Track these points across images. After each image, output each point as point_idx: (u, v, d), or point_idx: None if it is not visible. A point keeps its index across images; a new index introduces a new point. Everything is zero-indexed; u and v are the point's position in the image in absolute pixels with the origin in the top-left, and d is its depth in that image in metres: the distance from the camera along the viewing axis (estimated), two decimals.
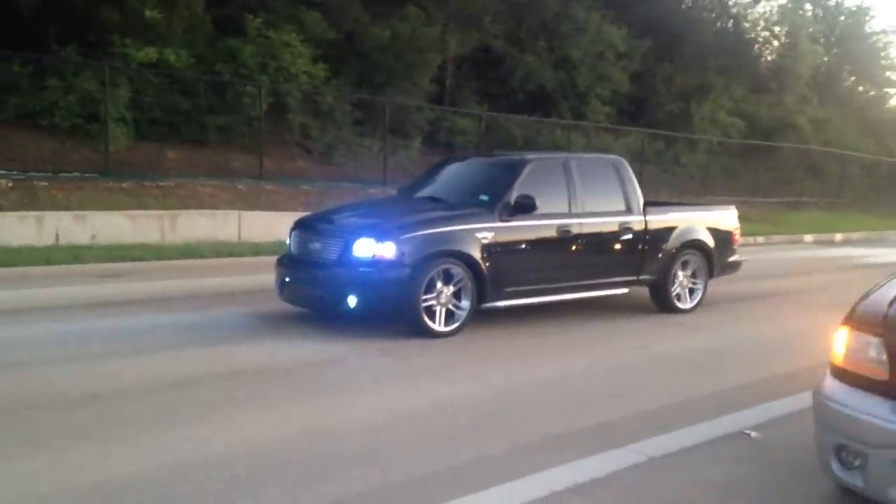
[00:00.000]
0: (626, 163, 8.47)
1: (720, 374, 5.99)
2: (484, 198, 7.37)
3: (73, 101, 14.02)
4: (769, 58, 35.46)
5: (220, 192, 14.43)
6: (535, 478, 3.72)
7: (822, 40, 39.74)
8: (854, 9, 43.20)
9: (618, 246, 8.02)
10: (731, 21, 32.59)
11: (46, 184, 12.54)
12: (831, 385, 3.36)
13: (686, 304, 8.59)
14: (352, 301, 6.58)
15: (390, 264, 6.58)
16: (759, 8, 36.42)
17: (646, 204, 8.31)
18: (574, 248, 7.63)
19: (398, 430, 4.41)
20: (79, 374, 5.38)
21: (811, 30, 37.52)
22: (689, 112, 27.25)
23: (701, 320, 8.23)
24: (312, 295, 7.08)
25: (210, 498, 3.45)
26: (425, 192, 8.06)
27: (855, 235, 23.57)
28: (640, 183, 8.44)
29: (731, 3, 32.81)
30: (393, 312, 6.75)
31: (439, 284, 6.71)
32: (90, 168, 13.54)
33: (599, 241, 7.90)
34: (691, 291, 8.67)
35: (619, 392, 5.36)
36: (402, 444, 4.17)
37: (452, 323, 6.82)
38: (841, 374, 3.34)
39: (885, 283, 3.58)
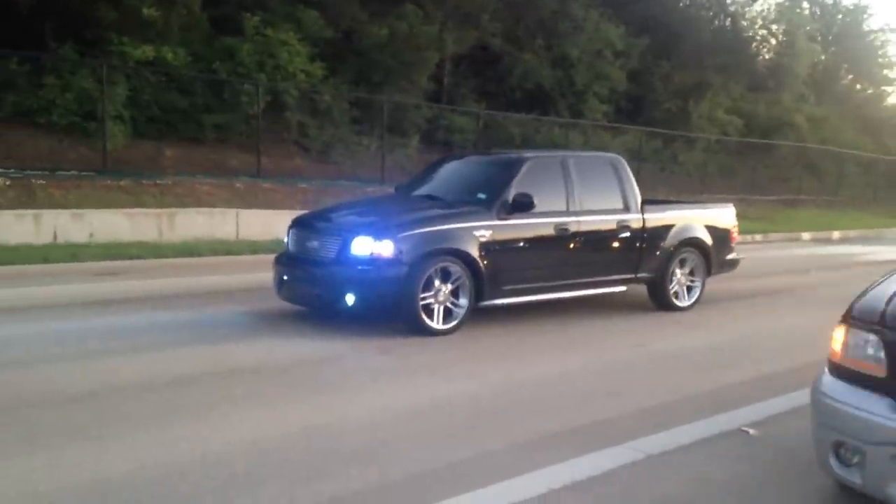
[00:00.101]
0: (623, 161, 8.47)
1: (718, 371, 6.00)
2: (482, 196, 7.37)
3: (71, 100, 13.99)
4: (767, 56, 35.50)
5: (218, 191, 14.42)
6: (534, 475, 3.72)
7: (819, 38, 39.77)
8: (851, 7, 43.29)
9: (616, 244, 8.02)
10: (729, 19, 32.59)
11: (44, 182, 12.52)
12: (829, 382, 3.36)
13: (684, 302, 8.59)
14: (350, 299, 6.58)
15: (388, 262, 6.58)
16: (757, 6, 36.51)
17: (644, 202, 8.32)
18: (572, 246, 7.63)
19: (396, 427, 4.41)
20: (77, 372, 5.37)
21: (809, 28, 37.52)
22: (687, 110, 27.25)
23: (699, 318, 8.24)
24: (310, 293, 7.08)
25: (208, 496, 3.45)
26: (423, 190, 8.06)
27: (852, 233, 23.62)
28: (637, 181, 8.44)
29: (728, 1, 32.82)
30: (391, 310, 6.75)
31: (437, 282, 6.71)
32: (88, 166, 13.53)
33: (597, 239, 7.90)
34: (689, 289, 8.68)
35: (617, 390, 5.36)
36: (401, 442, 4.17)
37: (450, 321, 6.82)
38: (839, 371, 3.35)
39: (883, 281, 3.58)
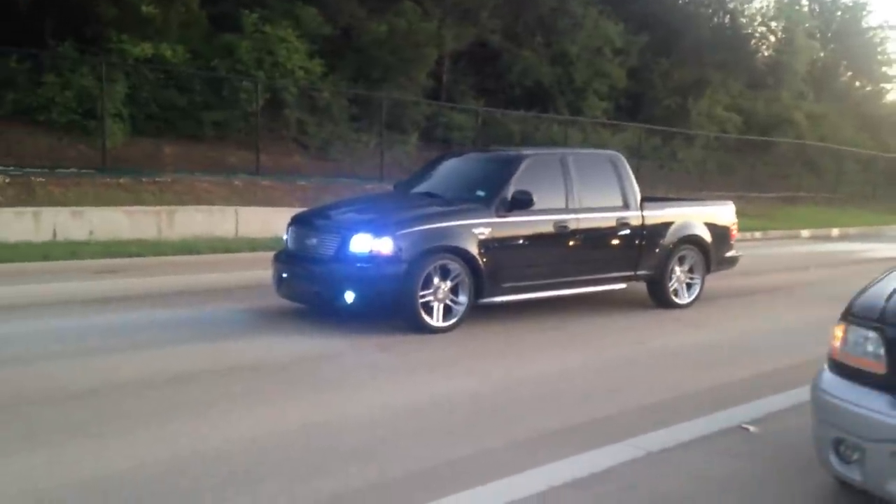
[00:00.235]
0: (623, 158, 8.46)
1: (718, 368, 6.00)
2: (481, 193, 7.36)
3: (70, 97, 13.98)
4: (766, 53, 35.47)
5: (217, 188, 14.41)
6: (534, 473, 3.72)
7: (818, 36, 39.75)
8: (851, 4, 43.16)
9: (615, 241, 8.02)
10: (728, 16, 32.60)
11: (44, 180, 12.52)
12: (829, 379, 3.36)
13: (683, 300, 8.59)
14: (349, 297, 6.58)
15: (387, 260, 6.58)
16: (756, 3, 36.61)
17: (643, 199, 8.31)
18: (571, 243, 7.63)
19: (396, 425, 4.41)
20: (77, 369, 5.37)
21: (808, 25, 37.48)
22: (686, 107, 27.25)
23: (698, 315, 8.24)
24: (309, 291, 7.07)
25: (207, 493, 3.45)
26: (422, 187, 8.05)
27: (852, 230, 23.62)
28: (637, 178, 8.43)
29: None
30: (390, 308, 6.75)
31: (436, 280, 6.71)
32: (87, 164, 13.52)
33: (597, 237, 7.90)
34: (689, 287, 8.68)
35: (617, 387, 5.37)
36: (400, 440, 4.17)
37: (450, 318, 6.82)
38: (839, 368, 3.35)
39: (883, 278, 3.58)
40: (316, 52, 17.92)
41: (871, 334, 3.20)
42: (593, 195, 7.86)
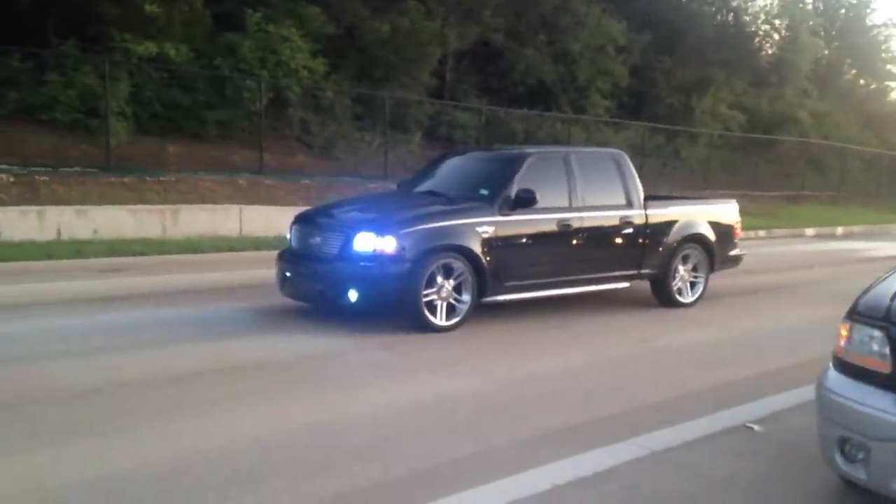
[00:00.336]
0: (626, 156, 8.45)
1: (722, 367, 5.98)
2: (484, 192, 7.35)
3: (74, 96, 14.00)
4: (770, 51, 35.39)
5: (220, 187, 14.43)
6: (537, 472, 3.71)
7: (822, 33, 39.64)
8: (854, 2, 43.09)
9: (618, 240, 8.01)
10: (732, 14, 32.53)
11: (48, 178, 12.54)
12: (834, 378, 3.35)
13: (687, 298, 8.58)
14: (352, 295, 6.58)
15: (391, 259, 6.57)
16: (760, 1, 36.46)
17: (646, 198, 8.29)
18: (574, 242, 7.62)
19: (399, 424, 4.41)
20: (80, 368, 5.38)
21: (812, 23, 37.40)
22: (690, 106, 27.21)
23: (702, 314, 8.22)
24: (313, 289, 7.07)
25: (211, 492, 3.45)
26: (425, 186, 8.05)
27: (856, 229, 23.56)
28: (640, 177, 8.41)
29: None
30: (393, 307, 6.74)
31: (440, 279, 6.70)
32: (91, 163, 13.54)
33: (600, 236, 7.89)
34: (692, 285, 8.66)
35: (621, 386, 5.36)
36: (403, 439, 4.17)
37: (453, 317, 6.81)
38: (844, 367, 3.34)
39: (888, 276, 3.56)
40: (319, 52, 17.91)
41: (876, 333, 3.19)
42: (596, 194, 7.85)
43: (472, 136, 20.09)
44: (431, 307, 6.68)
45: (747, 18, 34.17)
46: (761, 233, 19.45)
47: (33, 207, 11.71)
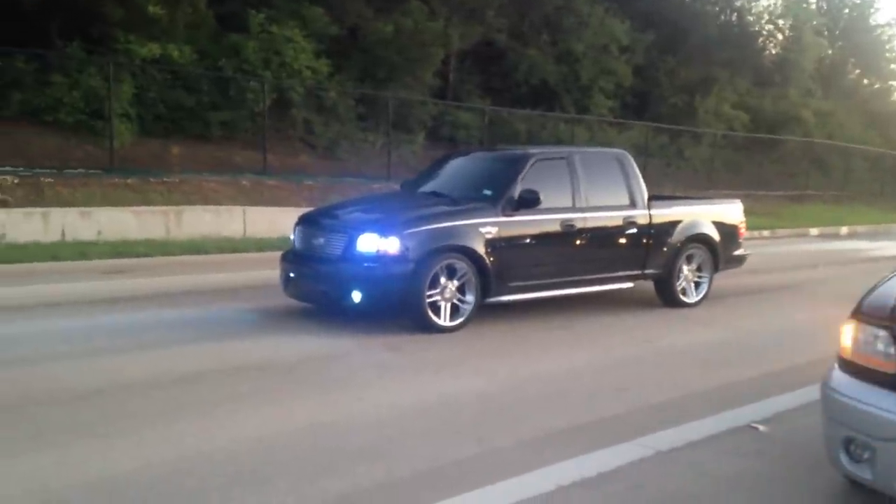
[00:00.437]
0: (629, 157, 8.43)
1: (726, 367, 5.97)
2: (487, 192, 7.35)
3: (78, 98, 14.05)
4: (773, 51, 35.36)
5: (224, 188, 14.44)
6: (542, 472, 3.71)
7: (826, 33, 39.57)
8: (858, 1, 42.99)
9: (622, 240, 7.99)
10: (735, 14, 32.52)
11: (52, 180, 12.56)
12: (839, 378, 3.34)
13: (691, 298, 8.56)
14: (356, 296, 6.58)
15: (394, 259, 6.57)
16: (763, 1, 36.38)
17: (650, 198, 8.28)
18: (578, 242, 7.61)
19: (403, 424, 4.40)
20: (84, 370, 5.38)
21: (815, 22, 37.35)
22: (693, 105, 27.18)
23: (706, 314, 8.20)
24: (316, 290, 7.07)
25: (214, 493, 3.44)
26: (429, 186, 8.04)
27: (860, 228, 23.50)
28: (644, 177, 8.40)
29: None
30: (397, 307, 6.74)
31: (443, 279, 6.70)
32: (95, 164, 13.57)
33: (604, 236, 7.88)
34: (696, 285, 8.64)
35: (625, 386, 5.34)
36: (407, 439, 4.16)
37: (457, 318, 6.80)
38: (849, 367, 3.32)
39: (893, 276, 3.55)
40: (322, 52, 17.94)
41: (882, 333, 3.18)
42: (600, 194, 7.84)
43: (476, 136, 20.09)
44: (435, 308, 6.68)
45: (751, 18, 34.19)
46: (765, 232, 19.41)
47: (38, 209, 11.74)
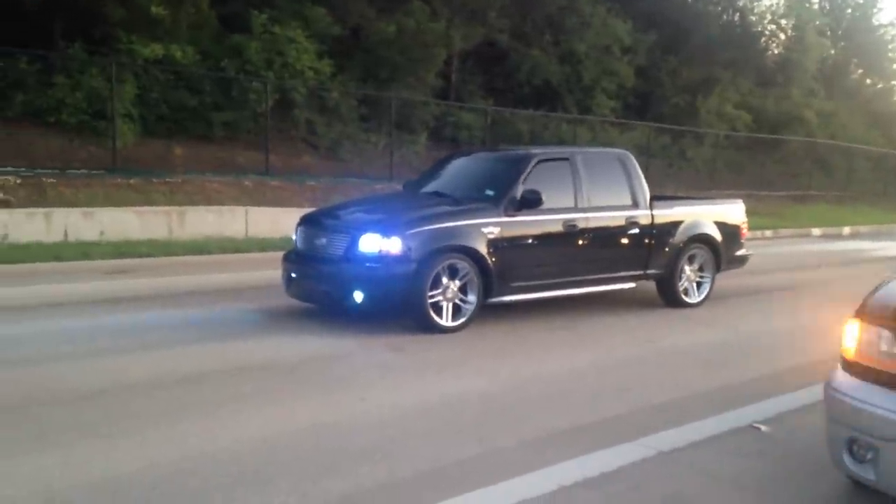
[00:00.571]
0: (632, 157, 8.43)
1: (728, 367, 5.97)
2: (490, 193, 7.35)
3: (80, 98, 14.06)
4: (776, 51, 35.29)
5: (227, 189, 14.45)
6: (544, 472, 3.71)
7: (828, 33, 39.53)
8: (861, 1, 42.93)
9: (624, 240, 7.99)
10: (737, 14, 32.45)
11: (55, 180, 12.58)
12: (842, 378, 3.34)
13: (693, 299, 8.56)
14: (358, 296, 6.58)
15: (396, 259, 6.57)
16: (766, 1, 36.32)
17: (652, 198, 8.28)
18: (580, 242, 7.61)
19: (405, 425, 4.41)
20: (87, 370, 5.39)
21: (818, 22, 37.27)
22: (695, 106, 27.15)
23: (708, 314, 8.20)
24: (319, 290, 7.08)
25: (217, 493, 3.45)
26: (431, 187, 8.05)
27: (863, 229, 23.47)
28: (646, 177, 8.41)
29: None
30: (399, 308, 6.74)
31: (445, 279, 6.70)
32: (98, 165, 13.59)
33: (606, 236, 7.87)
34: (699, 285, 8.64)
35: (627, 386, 5.34)
36: (410, 439, 4.16)
37: (459, 318, 6.81)
38: (852, 367, 3.32)
39: None
40: (325, 53, 17.95)
41: (885, 333, 3.18)
42: (602, 194, 7.84)
43: (478, 136, 20.09)
44: (437, 308, 6.68)
45: (753, 18, 34.11)
46: (768, 233, 19.39)
47: (40, 209, 11.75)
